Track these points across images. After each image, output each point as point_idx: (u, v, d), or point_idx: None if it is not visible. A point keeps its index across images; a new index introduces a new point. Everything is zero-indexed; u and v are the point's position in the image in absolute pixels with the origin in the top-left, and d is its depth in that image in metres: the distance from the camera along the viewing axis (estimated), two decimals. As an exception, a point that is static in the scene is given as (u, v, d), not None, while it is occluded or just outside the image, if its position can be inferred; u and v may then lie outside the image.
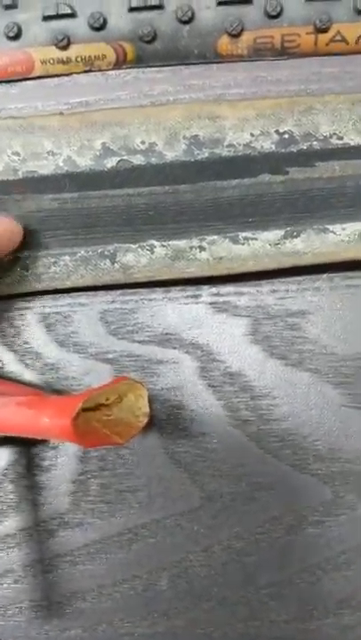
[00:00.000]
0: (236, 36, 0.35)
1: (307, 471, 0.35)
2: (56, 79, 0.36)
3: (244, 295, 0.35)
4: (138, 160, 0.34)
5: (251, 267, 0.33)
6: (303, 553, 0.35)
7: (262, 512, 0.35)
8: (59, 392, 0.35)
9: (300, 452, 0.35)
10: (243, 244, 0.34)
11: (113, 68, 0.35)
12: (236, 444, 0.35)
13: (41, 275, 0.34)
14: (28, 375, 0.35)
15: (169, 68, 0.35)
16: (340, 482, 0.34)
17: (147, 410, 0.30)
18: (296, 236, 0.33)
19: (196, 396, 0.35)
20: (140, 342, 0.35)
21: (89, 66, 0.35)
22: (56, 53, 0.35)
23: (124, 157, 0.34)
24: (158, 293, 0.35)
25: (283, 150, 0.33)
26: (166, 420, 0.35)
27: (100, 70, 0.35)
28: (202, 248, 0.34)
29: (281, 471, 0.35)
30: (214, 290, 0.35)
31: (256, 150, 0.33)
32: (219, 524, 0.35)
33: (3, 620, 0.35)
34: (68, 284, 0.34)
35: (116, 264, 0.34)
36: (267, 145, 0.33)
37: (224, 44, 0.35)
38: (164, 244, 0.34)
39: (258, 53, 0.35)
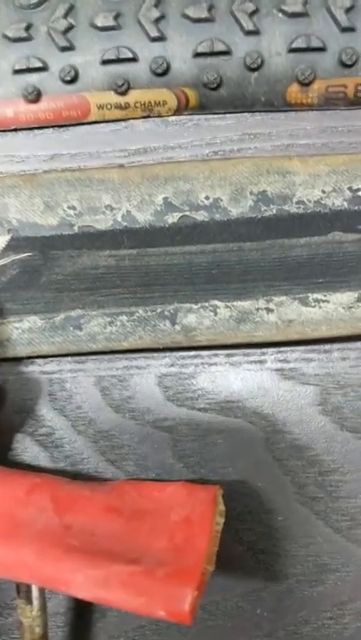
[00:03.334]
0: (307, 84, 0.36)
1: (378, 552, 0.36)
2: (112, 124, 0.37)
3: (313, 362, 0.37)
4: (201, 216, 0.36)
5: (324, 332, 0.35)
6: (374, 641, 0.36)
7: (330, 596, 0.36)
8: (112, 462, 0.37)
9: (371, 531, 0.36)
10: (313, 306, 0.35)
11: (173, 115, 0.37)
12: (302, 522, 0.36)
13: (96, 335, 0.36)
14: (81, 442, 0.37)
15: (233, 115, 0.37)
16: None
17: (222, 507, 0.32)
18: (371, 300, 0.35)
19: (261, 469, 0.37)
20: (200, 410, 0.37)
21: (148, 112, 0.37)
22: (114, 98, 0.37)
23: (187, 213, 0.36)
24: (220, 357, 0.37)
25: (355, 208, 0.35)
26: (226, 494, 0.36)
27: (159, 116, 0.37)
28: (269, 310, 0.35)
29: (350, 552, 0.36)
30: (281, 355, 0.37)
31: (327, 207, 0.35)
32: (284, 607, 0.36)
33: None
34: (126, 346, 0.36)
35: (176, 325, 0.36)
36: (338, 202, 0.35)
37: (293, 92, 0.36)
38: (228, 304, 0.36)
39: (329, 102, 0.37)
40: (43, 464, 0.37)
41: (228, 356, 0.37)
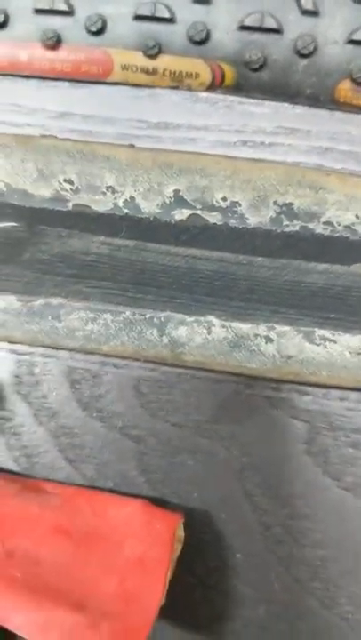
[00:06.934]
0: (361, 83, 0.30)
1: (336, 612, 0.32)
2: (135, 89, 0.32)
3: (307, 395, 0.31)
4: (214, 218, 0.30)
5: (323, 378, 0.30)
6: None
7: (275, 646, 0.32)
8: (70, 461, 0.33)
9: (332, 588, 0.32)
10: (318, 344, 0.30)
11: (205, 90, 0.31)
12: (261, 565, 0.32)
13: (75, 330, 0.31)
14: (40, 434, 0.33)
15: (272, 103, 0.31)
16: (372, 632, 0.32)
17: (182, 534, 0.29)
18: (384, 349, 0.30)
19: (226, 500, 0.32)
20: (174, 424, 0.32)
21: (177, 82, 0.31)
22: (142, 60, 0.31)
23: (198, 212, 0.31)
24: (207, 372, 0.32)
25: (389, 241, 0.29)
26: (185, 521, 0.31)
27: (188, 89, 0.31)
28: (269, 339, 0.30)
29: (306, 606, 0.32)
30: (273, 383, 0.31)
31: (358, 234, 0.30)
32: (224, 648, 0.32)
33: None
34: (105, 350, 0.31)
35: (164, 337, 0.30)
36: (372, 231, 0.30)
37: (344, 89, 0.31)
38: (225, 324, 0.30)
39: (383, 108, 0.30)
40: (-4, 450, 0.32)
41: (217, 372, 0.31)
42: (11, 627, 0.26)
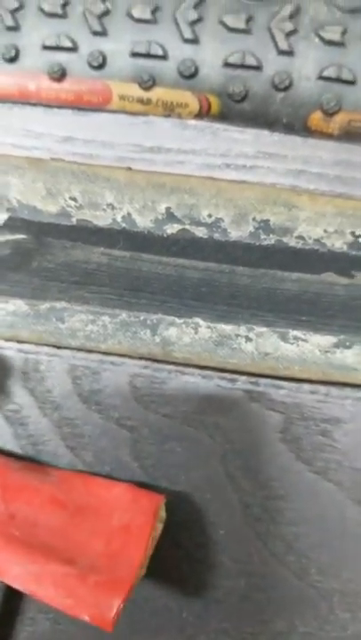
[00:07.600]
0: (330, 114, 0.33)
1: (307, 581, 0.35)
2: (131, 117, 0.35)
3: (283, 389, 0.35)
4: (200, 232, 0.34)
5: (296, 372, 0.33)
6: (287, 663, 0.36)
7: (254, 613, 0.35)
8: (71, 448, 0.36)
9: (304, 560, 0.35)
10: (292, 343, 0.33)
11: (193, 119, 0.34)
12: (242, 540, 0.35)
13: (77, 331, 0.34)
14: (44, 424, 0.35)
15: (253, 130, 0.34)
16: (338, 599, 0.35)
17: (163, 514, 0.32)
18: (348, 347, 0.33)
19: (211, 482, 0.35)
20: (164, 415, 0.35)
21: (169, 111, 0.34)
22: (137, 92, 0.34)
23: (187, 227, 0.34)
24: (194, 368, 0.35)
25: (354, 253, 0.33)
26: (174, 500, 0.35)
27: (179, 118, 0.35)
28: (248, 339, 0.33)
29: (281, 576, 0.35)
30: (252, 377, 0.35)
31: (326, 247, 0.33)
32: (209, 615, 0.35)
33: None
34: (103, 348, 0.34)
35: (156, 336, 0.34)
36: (338, 244, 0.33)
37: (316, 119, 0.34)
38: (210, 325, 0.34)
39: (349, 136, 0.34)
40: (5, 438, 0.36)
41: (202, 368, 0.35)
42: (7, 579, 0.29)
